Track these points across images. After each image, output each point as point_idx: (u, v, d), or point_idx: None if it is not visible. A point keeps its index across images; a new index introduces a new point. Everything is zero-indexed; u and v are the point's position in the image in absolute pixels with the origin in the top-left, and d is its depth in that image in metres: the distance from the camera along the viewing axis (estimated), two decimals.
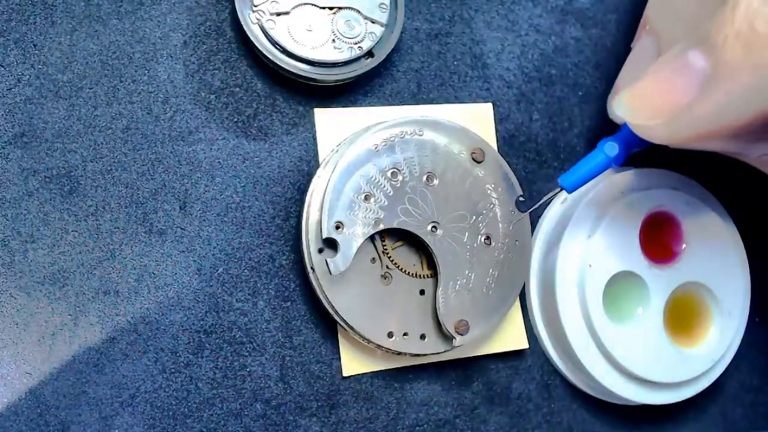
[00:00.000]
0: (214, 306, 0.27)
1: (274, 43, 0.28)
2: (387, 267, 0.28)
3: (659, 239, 0.32)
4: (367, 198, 0.27)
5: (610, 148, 0.27)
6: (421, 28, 0.32)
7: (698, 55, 0.22)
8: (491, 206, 0.29)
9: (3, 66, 0.26)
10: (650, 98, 0.23)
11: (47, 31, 0.27)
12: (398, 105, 0.31)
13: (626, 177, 0.32)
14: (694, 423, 0.35)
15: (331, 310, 0.27)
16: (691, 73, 0.22)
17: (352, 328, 0.27)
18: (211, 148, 0.28)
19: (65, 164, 0.26)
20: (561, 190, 0.28)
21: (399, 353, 0.28)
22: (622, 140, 0.27)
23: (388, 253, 0.28)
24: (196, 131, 0.28)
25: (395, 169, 0.28)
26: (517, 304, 0.31)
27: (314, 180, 0.28)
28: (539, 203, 0.30)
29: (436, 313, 0.28)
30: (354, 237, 0.27)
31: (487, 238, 0.29)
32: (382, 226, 0.27)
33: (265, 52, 0.28)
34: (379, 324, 0.27)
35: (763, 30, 0.20)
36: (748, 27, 0.20)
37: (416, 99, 0.31)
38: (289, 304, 0.28)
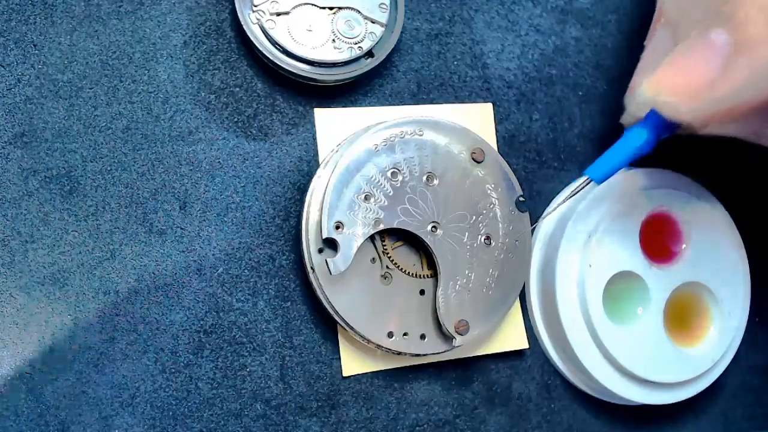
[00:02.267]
0: (214, 306, 0.27)
1: (274, 43, 0.28)
2: (387, 267, 0.28)
3: (659, 239, 0.32)
4: (367, 198, 0.27)
5: (637, 134, 0.27)
6: (421, 28, 0.32)
7: (720, 32, 0.22)
8: (491, 206, 0.29)
9: (3, 66, 0.26)
10: (675, 77, 0.24)
11: (47, 31, 0.27)
12: (398, 105, 0.31)
13: (626, 177, 0.32)
14: (694, 423, 0.35)
15: (331, 310, 0.27)
16: (714, 49, 0.22)
17: (352, 328, 0.27)
18: (211, 148, 0.28)
19: (65, 164, 0.26)
20: (588, 181, 0.28)
21: (399, 353, 0.28)
22: (649, 126, 0.27)
23: (388, 253, 0.28)
24: (196, 131, 0.28)
25: (395, 169, 0.28)
26: (517, 304, 0.31)
27: (314, 180, 0.28)
28: (566, 197, 0.29)
29: (436, 313, 0.28)
30: (354, 237, 0.27)
31: (487, 238, 0.29)
32: (382, 226, 0.27)
33: (265, 52, 0.28)
34: (379, 324, 0.27)
35: None
36: None
37: (416, 99, 0.31)
38: (289, 304, 0.28)
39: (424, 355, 0.28)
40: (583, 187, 0.29)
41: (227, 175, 0.28)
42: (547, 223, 0.32)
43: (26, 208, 0.26)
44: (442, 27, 0.32)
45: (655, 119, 0.27)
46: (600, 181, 0.28)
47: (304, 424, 0.28)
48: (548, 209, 0.32)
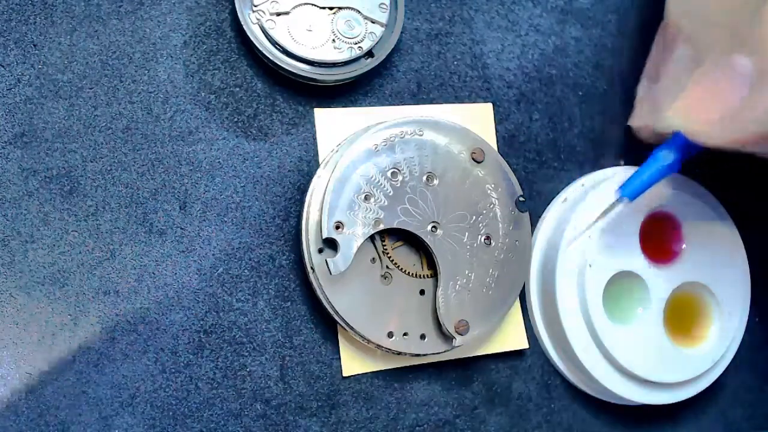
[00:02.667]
0: (214, 306, 0.27)
1: (274, 43, 0.28)
2: (387, 267, 0.28)
3: (659, 239, 0.32)
4: (367, 198, 0.27)
5: (665, 156, 0.29)
6: (421, 28, 0.32)
7: (743, 59, 0.23)
8: (491, 206, 0.29)
9: (3, 66, 0.26)
10: (702, 105, 0.25)
11: (47, 31, 0.27)
12: (398, 105, 0.31)
13: (627, 177, 0.32)
14: (694, 423, 0.35)
15: (331, 310, 0.27)
16: (738, 76, 0.23)
17: (352, 328, 0.27)
18: (211, 148, 0.28)
19: (65, 164, 0.26)
20: (619, 200, 0.30)
21: (399, 353, 0.28)
22: (676, 147, 0.28)
23: (388, 253, 0.28)
24: (196, 131, 0.28)
25: (395, 169, 0.28)
26: (517, 304, 0.31)
27: (314, 180, 0.28)
28: (599, 216, 0.30)
29: (436, 313, 0.28)
30: (354, 237, 0.27)
31: (487, 238, 0.29)
32: (382, 226, 0.27)
33: (265, 52, 0.28)
34: (379, 324, 0.27)
35: None
36: None
37: (416, 99, 0.31)
38: (289, 304, 0.28)
39: (424, 355, 0.28)
40: (614, 205, 0.30)
41: (227, 175, 0.28)
42: (548, 223, 0.32)
43: (26, 208, 0.26)
44: (442, 27, 0.32)
45: (682, 141, 0.28)
46: (633, 198, 0.29)
47: (304, 424, 0.28)
48: (581, 228, 0.31)
